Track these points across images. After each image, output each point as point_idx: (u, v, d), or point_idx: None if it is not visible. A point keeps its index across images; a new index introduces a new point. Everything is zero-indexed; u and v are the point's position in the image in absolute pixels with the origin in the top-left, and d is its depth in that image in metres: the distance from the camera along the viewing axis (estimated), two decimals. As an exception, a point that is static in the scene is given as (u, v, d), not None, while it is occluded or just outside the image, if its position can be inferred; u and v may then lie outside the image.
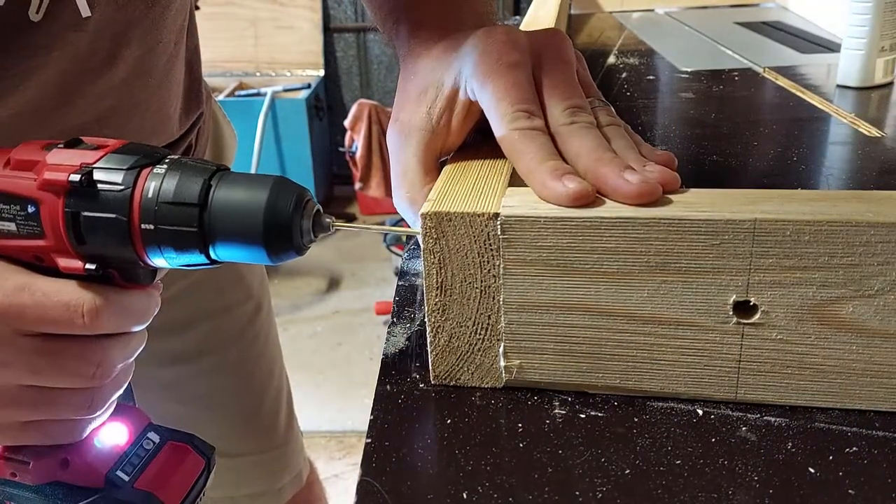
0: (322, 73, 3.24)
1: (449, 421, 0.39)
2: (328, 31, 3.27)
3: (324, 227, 0.37)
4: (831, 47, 1.11)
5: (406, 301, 0.50)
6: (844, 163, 0.70)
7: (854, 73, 0.91)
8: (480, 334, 0.40)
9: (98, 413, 0.40)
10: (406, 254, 0.57)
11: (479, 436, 0.37)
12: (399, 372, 0.42)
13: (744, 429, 0.37)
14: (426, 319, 0.40)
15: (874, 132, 0.75)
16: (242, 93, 3.11)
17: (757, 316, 0.37)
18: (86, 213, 0.35)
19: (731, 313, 0.37)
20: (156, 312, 0.39)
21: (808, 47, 1.14)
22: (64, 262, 0.36)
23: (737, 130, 0.78)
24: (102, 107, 0.51)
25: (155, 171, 0.35)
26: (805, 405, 0.38)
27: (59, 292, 0.36)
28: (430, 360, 0.41)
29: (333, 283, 2.88)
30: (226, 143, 0.76)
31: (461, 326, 0.39)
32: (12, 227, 0.36)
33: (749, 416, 0.38)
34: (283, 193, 0.35)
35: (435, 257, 0.38)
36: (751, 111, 0.89)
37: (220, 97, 2.99)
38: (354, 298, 2.76)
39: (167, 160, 0.35)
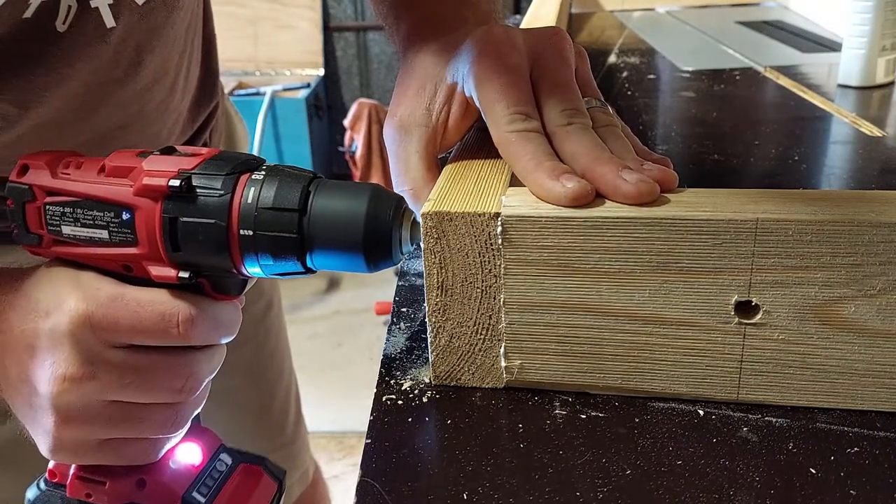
0: (322, 72, 3.24)
1: (449, 421, 0.38)
2: (328, 30, 3.27)
3: (421, 236, 0.36)
4: (832, 47, 1.11)
5: (406, 301, 0.50)
6: (846, 162, 0.69)
7: (855, 72, 0.91)
8: (481, 334, 0.39)
9: (178, 432, 0.39)
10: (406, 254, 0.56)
11: (480, 436, 0.37)
12: (399, 372, 0.42)
13: (745, 429, 0.37)
14: (426, 319, 0.40)
15: (875, 132, 0.75)
16: (242, 92, 3.10)
17: (759, 316, 0.36)
18: (184, 219, 0.34)
19: (732, 313, 0.37)
20: (240, 325, 0.39)
21: (809, 46, 1.14)
22: (156, 271, 0.35)
23: (738, 130, 0.78)
24: (126, 114, 0.51)
25: (253, 177, 0.34)
26: (806, 405, 0.38)
27: (153, 301, 0.35)
28: (430, 361, 0.41)
29: (333, 283, 2.88)
30: (238, 140, 0.76)
31: (462, 327, 0.39)
32: (104, 234, 0.35)
33: (750, 416, 0.38)
34: (382, 201, 0.34)
35: (435, 257, 0.38)
36: (752, 110, 0.88)
37: (221, 96, 2.98)
38: (354, 298, 2.76)
39: (264, 167, 0.35)
